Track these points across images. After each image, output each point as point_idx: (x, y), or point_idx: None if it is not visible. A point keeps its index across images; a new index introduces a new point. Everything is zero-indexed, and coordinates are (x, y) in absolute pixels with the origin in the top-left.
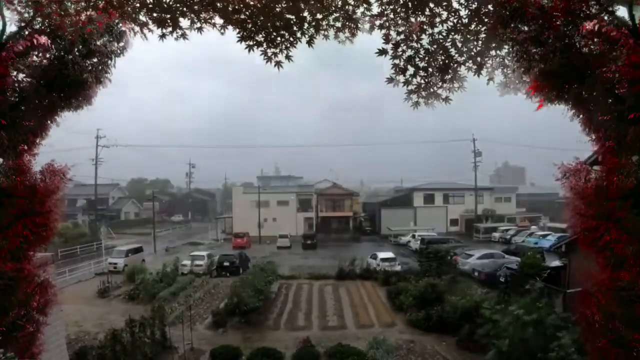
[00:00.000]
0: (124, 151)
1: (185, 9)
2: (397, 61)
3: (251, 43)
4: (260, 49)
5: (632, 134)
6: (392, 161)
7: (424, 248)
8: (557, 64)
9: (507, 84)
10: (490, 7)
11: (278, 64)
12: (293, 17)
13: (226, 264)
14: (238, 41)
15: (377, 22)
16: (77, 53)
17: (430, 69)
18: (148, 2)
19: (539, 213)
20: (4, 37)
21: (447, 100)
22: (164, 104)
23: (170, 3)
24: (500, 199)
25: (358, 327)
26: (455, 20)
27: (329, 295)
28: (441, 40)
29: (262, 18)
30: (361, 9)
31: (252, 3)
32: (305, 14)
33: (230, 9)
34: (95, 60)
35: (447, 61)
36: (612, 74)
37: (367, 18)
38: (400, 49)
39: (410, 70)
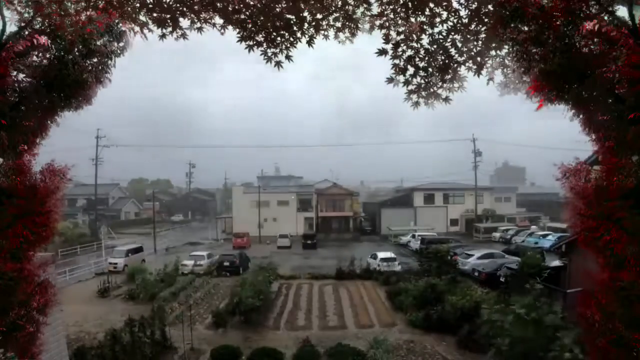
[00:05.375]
0: (124, 151)
1: (185, 9)
2: (397, 61)
3: (251, 43)
4: (260, 49)
5: (632, 134)
6: (392, 161)
7: (424, 248)
8: (557, 64)
9: (507, 84)
10: (490, 7)
11: (278, 64)
12: (293, 17)
13: (226, 263)
14: (238, 41)
15: (377, 22)
16: (77, 53)
17: (430, 69)
18: (148, 2)
19: (539, 213)
20: (4, 37)
21: (447, 100)
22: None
23: (170, 3)
24: (500, 198)
25: (358, 327)
26: (455, 20)
27: (329, 295)
28: (441, 40)
29: (262, 18)
30: (361, 9)
31: (252, 3)
32: (305, 14)
33: (230, 9)
34: (95, 60)
35: (447, 61)
36: (612, 74)
37: (367, 18)
38: (400, 49)
39: (410, 70)
